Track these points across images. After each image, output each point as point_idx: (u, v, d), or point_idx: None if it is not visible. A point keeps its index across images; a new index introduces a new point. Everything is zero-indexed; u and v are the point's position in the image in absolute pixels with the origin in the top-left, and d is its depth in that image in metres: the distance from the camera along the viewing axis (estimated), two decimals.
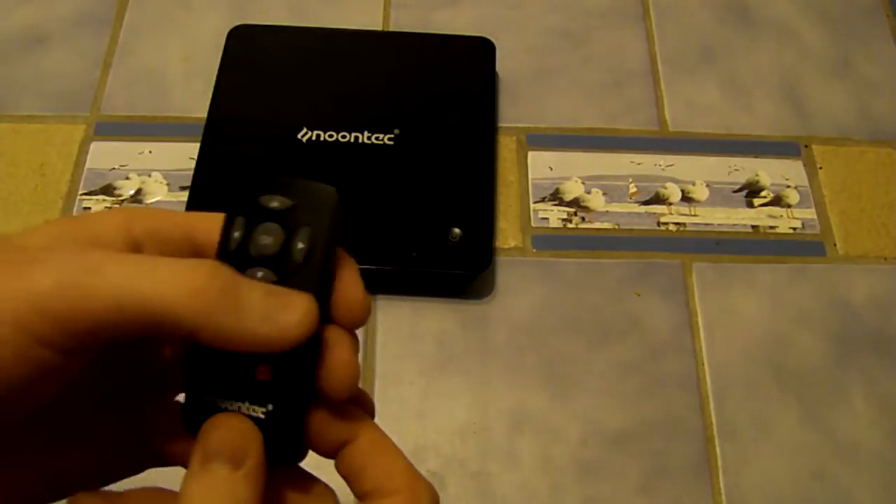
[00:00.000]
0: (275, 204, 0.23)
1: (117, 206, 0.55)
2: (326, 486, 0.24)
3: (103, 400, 0.25)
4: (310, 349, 0.22)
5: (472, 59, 0.59)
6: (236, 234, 0.23)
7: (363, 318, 0.24)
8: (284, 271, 0.23)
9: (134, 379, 0.25)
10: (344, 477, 0.24)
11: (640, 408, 0.50)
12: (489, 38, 0.60)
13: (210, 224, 0.24)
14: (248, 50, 0.59)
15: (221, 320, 0.21)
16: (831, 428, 0.50)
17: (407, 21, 0.64)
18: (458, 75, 0.58)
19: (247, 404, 0.23)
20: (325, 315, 0.23)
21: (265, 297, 0.21)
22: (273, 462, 0.22)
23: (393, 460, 0.24)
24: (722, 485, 0.48)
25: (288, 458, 0.23)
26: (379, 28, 0.64)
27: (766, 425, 0.50)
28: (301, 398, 0.23)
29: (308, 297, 0.22)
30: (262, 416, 0.23)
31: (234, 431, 0.22)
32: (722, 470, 0.48)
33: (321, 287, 0.23)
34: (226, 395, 0.23)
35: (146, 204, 0.55)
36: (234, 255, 0.23)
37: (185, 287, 0.20)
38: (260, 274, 0.23)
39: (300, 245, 0.23)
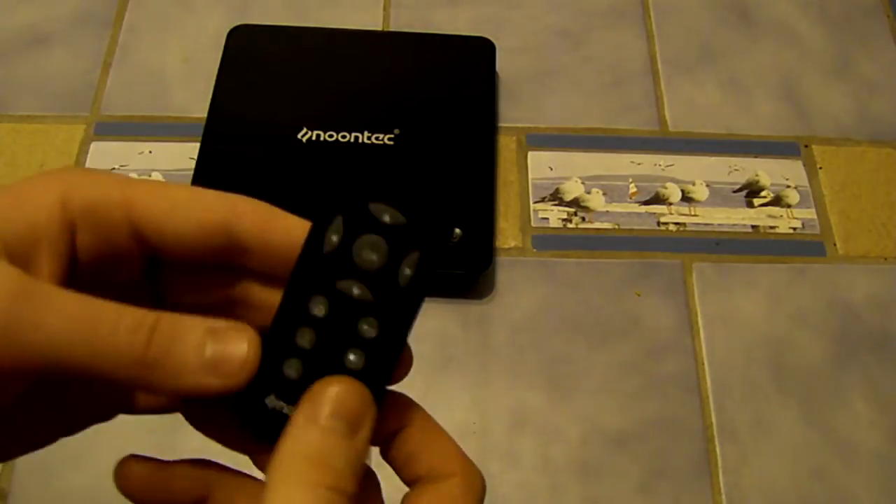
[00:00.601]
0: (386, 218, 0.22)
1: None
2: (369, 468, 0.24)
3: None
4: (392, 365, 0.22)
5: (472, 59, 0.59)
6: (334, 238, 0.22)
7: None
8: (384, 293, 0.22)
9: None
10: (393, 463, 0.23)
11: (640, 408, 0.50)
12: (489, 38, 0.60)
13: (151, 202, 0.22)
14: (248, 50, 0.59)
15: (154, 380, 0.20)
16: (831, 428, 0.50)
17: (407, 21, 0.64)
18: (458, 75, 0.58)
19: None
20: (404, 342, 0.22)
21: (201, 346, 0.20)
22: None
23: (447, 445, 0.23)
24: (722, 485, 0.48)
25: None
26: (379, 28, 0.64)
27: (766, 425, 0.50)
28: (385, 384, 0.22)
29: (250, 334, 0.21)
30: None
31: (356, 395, 0.21)
32: (722, 470, 0.48)
33: (416, 314, 0.22)
34: (295, 402, 0.22)
35: None
36: (328, 259, 0.22)
37: (121, 353, 0.19)
38: (357, 291, 0.22)
39: (407, 271, 0.22)
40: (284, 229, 0.23)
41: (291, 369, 0.22)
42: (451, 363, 0.51)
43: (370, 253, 0.22)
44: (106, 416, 0.24)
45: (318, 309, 0.22)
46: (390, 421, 0.23)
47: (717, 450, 0.49)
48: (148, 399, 0.25)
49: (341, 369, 0.22)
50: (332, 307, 0.22)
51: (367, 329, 0.22)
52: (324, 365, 0.22)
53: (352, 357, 0.22)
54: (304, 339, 0.22)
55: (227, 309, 0.24)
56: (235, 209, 0.22)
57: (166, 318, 0.20)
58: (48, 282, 0.20)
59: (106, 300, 0.20)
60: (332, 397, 0.21)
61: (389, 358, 0.22)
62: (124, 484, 0.23)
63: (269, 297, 0.23)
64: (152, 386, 0.20)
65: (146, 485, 0.23)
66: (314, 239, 0.22)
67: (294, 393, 0.21)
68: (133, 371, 0.19)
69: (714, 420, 0.50)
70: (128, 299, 0.21)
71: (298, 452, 0.20)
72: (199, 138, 0.55)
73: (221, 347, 0.20)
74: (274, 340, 0.22)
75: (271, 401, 0.22)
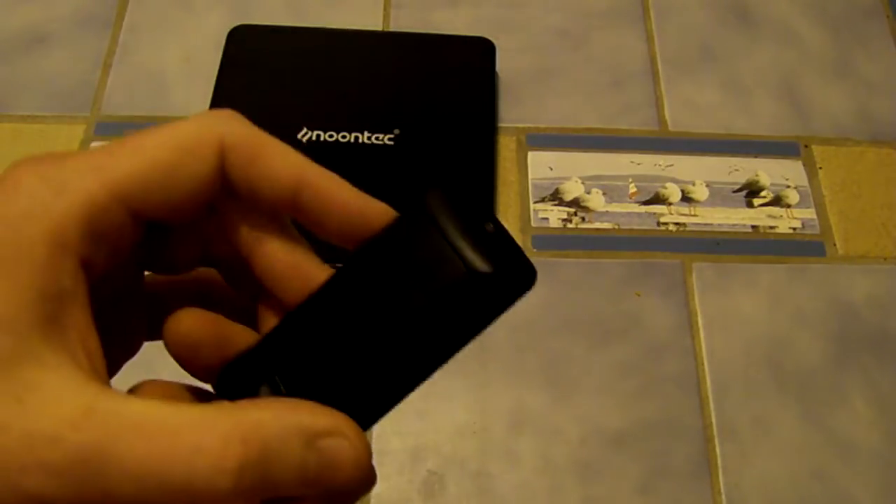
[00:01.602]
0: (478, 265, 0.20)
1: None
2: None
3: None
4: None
5: (472, 59, 0.59)
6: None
7: None
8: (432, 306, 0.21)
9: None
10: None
11: (639, 408, 0.50)
12: (489, 38, 0.60)
13: (138, 172, 0.19)
14: (248, 50, 0.59)
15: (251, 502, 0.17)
16: (831, 428, 0.50)
17: (407, 21, 0.64)
18: (458, 75, 0.58)
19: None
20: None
21: (303, 462, 0.18)
22: None
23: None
24: (722, 485, 0.48)
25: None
26: (379, 28, 0.64)
27: (766, 425, 0.50)
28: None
29: (355, 452, 0.19)
30: None
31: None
32: (722, 470, 0.48)
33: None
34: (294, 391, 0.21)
35: None
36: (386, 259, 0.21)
37: (203, 489, 0.17)
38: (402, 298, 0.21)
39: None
40: (276, 169, 0.21)
41: (312, 360, 0.21)
42: (451, 363, 0.51)
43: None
44: (182, 267, 0.23)
45: (356, 310, 0.21)
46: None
47: (717, 450, 0.49)
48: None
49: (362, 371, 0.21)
50: (373, 310, 0.21)
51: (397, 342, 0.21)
52: (346, 363, 0.21)
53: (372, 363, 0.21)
54: (334, 335, 0.21)
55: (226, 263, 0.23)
56: (224, 143, 0.20)
57: (252, 429, 0.17)
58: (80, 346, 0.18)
59: (179, 406, 0.18)
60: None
61: (407, 380, 0.22)
62: (178, 340, 0.21)
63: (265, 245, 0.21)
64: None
65: (204, 337, 0.21)
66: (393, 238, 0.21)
67: (305, 383, 0.20)
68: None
69: (714, 420, 0.50)
70: (124, 268, 0.19)
71: None
72: None
73: (325, 462, 0.18)
74: (304, 323, 0.21)
75: (273, 381, 0.20)
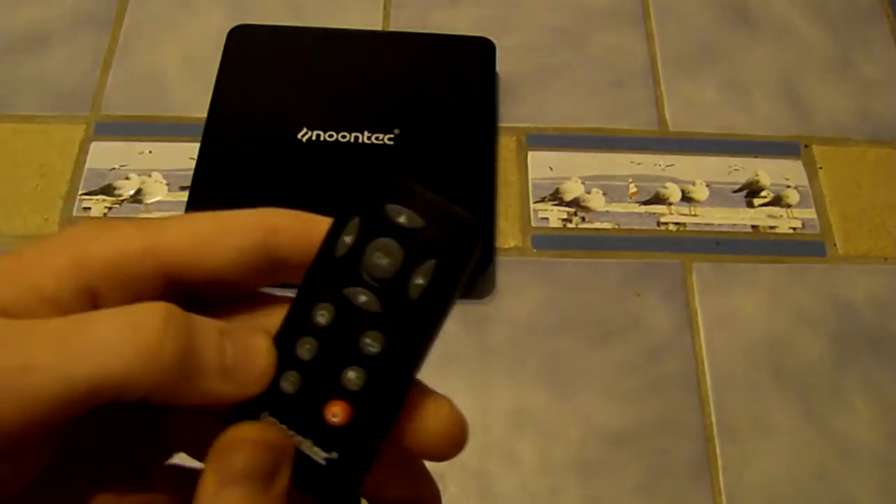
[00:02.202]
0: (402, 219, 0.19)
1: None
2: None
3: (100, 467, 0.21)
4: (399, 393, 0.20)
5: (472, 59, 0.59)
6: (348, 239, 0.20)
7: (455, 443, 0.21)
8: (392, 305, 0.19)
9: (131, 438, 0.22)
10: None
11: (639, 408, 0.50)
12: (489, 38, 0.60)
13: (178, 242, 0.20)
14: (248, 50, 0.59)
15: (176, 384, 0.18)
16: (831, 428, 0.50)
17: (407, 21, 0.64)
18: (458, 75, 0.58)
19: (310, 444, 0.20)
20: (414, 367, 0.20)
21: (221, 346, 0.19)
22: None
23: None
24: (722, 485, 0.48)
25: (336, 500, 0.20)
26: (379, 28, 0.64)
27: (766, 425, 0.50)
28: (376, 450, 0.20)
29: (266, 343, 0.19)
30: (322, 462, 0.19)
31: (263, 449, 0.19)
32: (722, 470, 0.48)
33: (429, 336, 0.20)
34: (289, 422, 0.20)
35: (145, 204, 0.55)
36: (339, 263, 0.20)
37: (131, 356, 0.17)
38: (363, 298, 0.20)
39: (419, 280, 0.19)
40: (322, 234, 0.21)
41: (288, 383, 0.20)
42: (451, 363, 0.51)
43: (382, 257, 0.19)
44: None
45: (322, 317, 0.20)
46: (402, 492, 0.21)
47: (717, 450, 0.49)
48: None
49: (337, 389, 0.20)
50: (338, 317, 0.20)
51: (370, 344, 0.20)
52: (321, 381, 0.20)
53: (351, 375, 0.20)
54: (305, 349, 0.20)
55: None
56: (270, 225, 0.21)
57: (173, 310, 0.18)
58: None
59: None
60: (235, 457, 0.19)
61: (394, 384, 0.20)
62: None
63: None
64: (168, 392, 0.18)
65: None
66: (329, 242, 0.20)
67: (289, 411, 0.20)
68: (146, 374, 0.18)
69: (714, 420, 0.50)
70: None
71: None
72: (199, 138, 0.55)
73: (240, 351, 0.19)
74: (277, 345, 0.20)
75: (265, 419, 0.20)
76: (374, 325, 0.20)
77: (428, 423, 0.21)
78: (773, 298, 0.54)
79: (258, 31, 0.60)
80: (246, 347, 0.19)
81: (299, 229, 0.21)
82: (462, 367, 0.51)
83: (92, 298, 0.19)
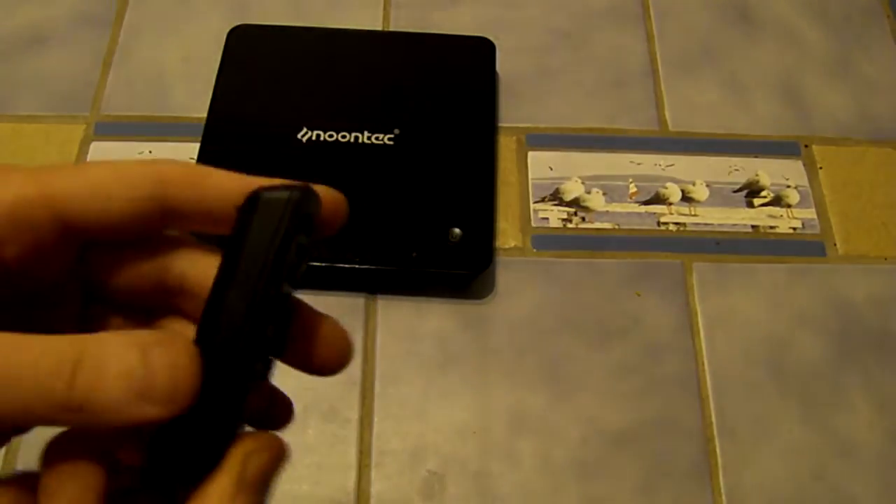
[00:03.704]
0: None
1: None
2: None
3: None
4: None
5: (472, 59, 0.59)
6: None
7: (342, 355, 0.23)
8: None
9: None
10: None
11: (640, 408, 0.50)
12: (489, 38, 0.60)
13: (72, 188, 0.20)
14: (248, 50, 0.59)
15: (92, 420, 0.18)
16: (831, 428, 0.50)
17: (407, 21, 0.64)
18: (458, 75, 0.58)
19: None
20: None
21: (130, 376, 0.18)
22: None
23: None
24: (722, 485, 0.48)
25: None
26: (379, 28, 0.64)
27: (766, 425, 0.50)
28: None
29: (184, 348, 0.19)
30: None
31: (277, 460, 0.21)
32: (722, 470, 0.48)
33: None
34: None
35: None
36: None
37: (46, 401, 0.18)
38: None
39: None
40: (217, 185, 0.22)
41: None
42: (451, 363, 0.51)
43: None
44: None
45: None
46: None
47: (717, 450, 0.49)
48: None
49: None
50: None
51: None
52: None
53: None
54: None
55: (165, 292, 0.23)
56: (162, 175, 0.21)
57: (91, 349, 0.18)
58: None
59: (25, 335, 0.18)
60: (256, 465, 0.20)
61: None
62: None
63: (207, 270, 0.22)
64: (89, 428, 0.19)
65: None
66: (279, 259, 0.21)
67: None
68: (63, 417, 0.18)
69: (714, 420, 0.50)
70: (61, 292, 0.20)
71: None
72: (199, 138, 0.55)
73: (151, 372, 0.18)
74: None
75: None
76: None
77: (323, 341, 0.23)
78: (773, 298, 0.54)
79: (258, 31, 0.60)
80: (157, 367, 0.19)
81: (190, 180, 0.21)
82: (462, 367, 0.51)
83: None
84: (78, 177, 0.21)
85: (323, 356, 0.23)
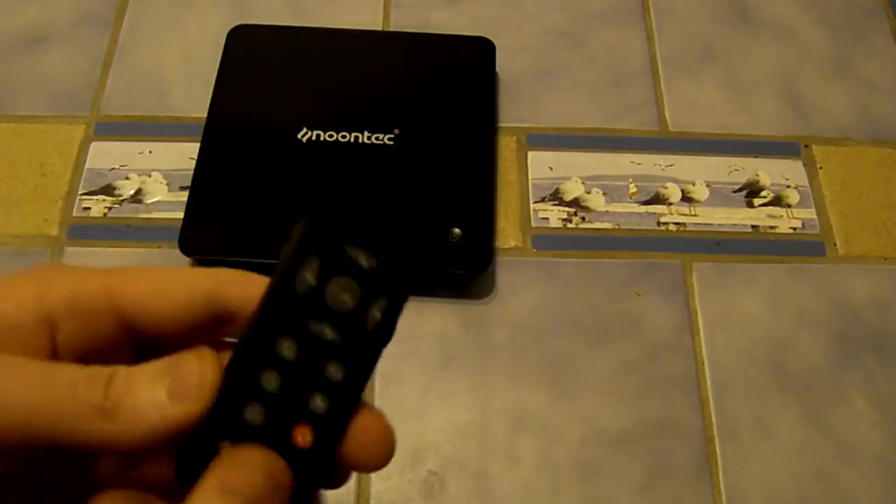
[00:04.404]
0: (362, 261, 0.22)
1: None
2: None
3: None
4: (352, 412, 0.21)
5: (472, 59, 0.59)
6: (309, 277, 0.21)
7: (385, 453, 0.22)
8: (352, 336, 0.22)
9: (57, 474, 0.23)
10: None
11: (640, 408, 0.50)
12: (489, 38, 0.60)
13: (134, 285, 0.22)
14: (248, 50, 0.59)
15: (121, 425, 0.19)
16: (832, 428, 0.50)
17: (407, 21, 0.64)
18: (458, 75, 0.58)
19: None
20: (364, 388, 0.22)
21: (159, 382, 0.20)
22: None
23: None
24: (722, 485, 0.48)
25: None
26: (379, 28, 0.64)
27: (767, 425, 0.50)
28: (332, 463, 0.21)
29: (206, 353, 0.20)
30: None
31: (268, 472, 0.20)
32: (722, 470, 0.48)
33: (378, 360, 0.22)
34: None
35: (145, 204, 0.55)
36: (302, 300, 0.21)
37: (80, 404, 0.19)
38: (329, 334, 0.21)
39: (376, 314, 0.22)
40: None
41: (254, 413, 0.21)
42: (451, 363, 0.51)
43: (344, 295, 0.21)
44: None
45: (288, 351, 0.21)
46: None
47: (717, 450, 0.49)
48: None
49: (305, 414, 0.21)
50: (302, 349, 0.21)
51: (334, 372, 0.21)
52: (288, 409, 0.21)
53: (318, 401, 0.21)
54: (270, 382, 0.21)
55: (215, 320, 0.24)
56: (218, 278, 0.22)
57: (124, 368, 0.20)
58: None
59: (64, 363, 0.19)
60: (238, 472, 0.20)
61: (350, 405, 0.22)
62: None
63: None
64: (116, 438, 0.19)
65: None
66: (286, 278, 0.21)
67: (253, 438, 0.21)
68: (95, 424, 0.19)
69: (714, 420, 0.50)
70: None
71: None
72: (199, 138, 0.55)
73: (178, 372, 0.20)
74: (235, 383, 0.21)
75: (226, 446, 0.21)
76: (336, 355, 0.21)
77: (366, 436, 0.22)
78: (773, 298, 0.54)
79: (258, 31, 0.60)
80: (182, 367, 0.20)
81: (244, 284, 0.22)
82: (462, 367, 0.51)
83: (51, 328, 0.21)
84: (140, 275, 0.22)
85: (358, 454, 0.22)
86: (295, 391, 0.21)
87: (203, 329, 0.22)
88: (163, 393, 0.19)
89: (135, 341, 0.22)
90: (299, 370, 0.21)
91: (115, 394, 0.19)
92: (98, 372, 0.19)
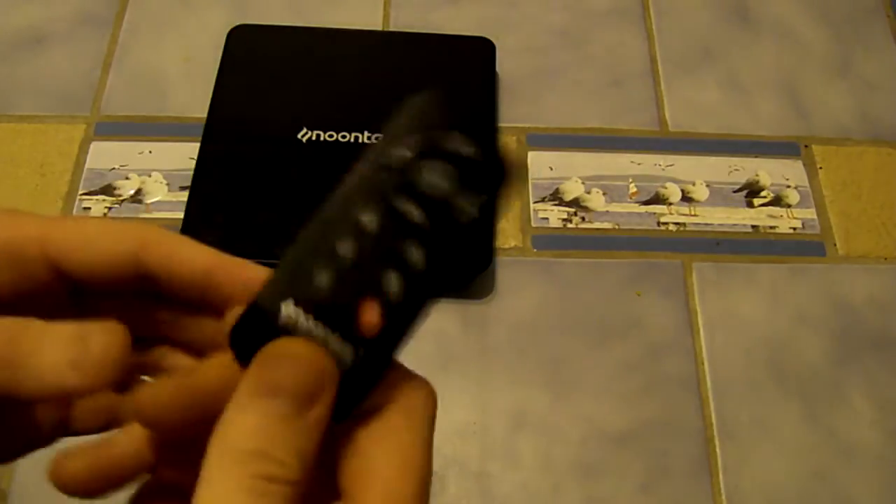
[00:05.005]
0: (466, 150, 0.21)
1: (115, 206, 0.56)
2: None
3: None
4: (425, 307, 0.20)
5: (472, 59, 0.59)
6: (407, 154, 0.20)
7: None
8: (442, 226, 0.20)
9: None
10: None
11: (640, 408, 0.50)
12: (489, 38, 0.60)
13: (66, 236, 0.22)
14: (248, 50, 0.59)
15: (22, 378, 0.19)
16: (831, 428, 0.50)
17: (407, 21, 0.64)
18: (458, 75, 0.58)
19: (337, 337, 0.20)
20: (442, 287, 0.21)
21: (66, 344, 0.20)
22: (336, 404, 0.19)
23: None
24: (722, 485, 0.48)
25: (352, 402, 0.20)
26: (379, 28, 0.64)
27: (766, 425, 0.50)
28: (393, 356, 0.20)
29: (115, 328, 0.20)
30: (348, 360, 0.20)
31: (307, 366, 0.19)
32: (722, 470, 0.48)
33: (461, 260, 0.21)
34: (316, 313, 0.19)
35: (145, 204, 0.55)
36: (394, 174, 0.20)
37: None
38: (415, 212, 0.20)
39: (471, 209, 0.20)
40: (189, 259, 0.23)
41: (323, 276, 0.20)
42: (451, 363, 0.51)
43: (441, 180, 0.20)
44: (43, 441, 0.24)
45: (370, 221, 0.20)
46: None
47: (717, 450, 0.49)
48: (84, 419, 0.24)
49: (377, 290, 0.20)
50: (385, 223, 0.20)
51: (415, 256, 0.20)
52: (360, 280, 0.20)
53: (392, 279, 0.20)
54: (346, 248, 0.20)
55: (160, 339, 0.24)
56: (143, 239, 0.22)
57: (36, 327, 0.20)
58: None
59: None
60: (283, 368, 0.19)
61: (425, 298, 0.20)
62: (65, 483, 0.22)
63: (194, 327, 0.23)
64: (14, 389, 0.19)
65: (89, 476, 0.23)
66: (383, 149, 0.20)
67: (319, 303, 0.19)
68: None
69: (714, 420, 0.50)
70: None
71: (232, 441, 0.18)
72: (199, 138, 0.55)
73: (84, 345, 0.20)
74: (309, 242, 0.20)
75: (287, 307, 0.19)
76: (421, 240, 0.20)
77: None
78: (773, 298, 0.54)
79: (258, 31, 0.60)
80: (89, 339, 0.20)
81: (166, 250, 0.22)
82: (462, 367, 0.51)
83: None
84: (73, 226, 0.22)
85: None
86: (371, 264, 0.20)
87: (129, 283, 0.23)
88: (64, 361, 0.19)
89: (70, 286, 0.23)
90: (379, 245, 0.20)
91: (21, 349, 0.19)
92: (10, 323, 0.20)
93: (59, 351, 0.20)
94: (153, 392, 0.22)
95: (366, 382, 0.20)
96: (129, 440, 0.23)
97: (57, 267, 0.22)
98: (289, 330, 0.19)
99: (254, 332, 0.19)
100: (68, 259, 0.22)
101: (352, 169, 0.21)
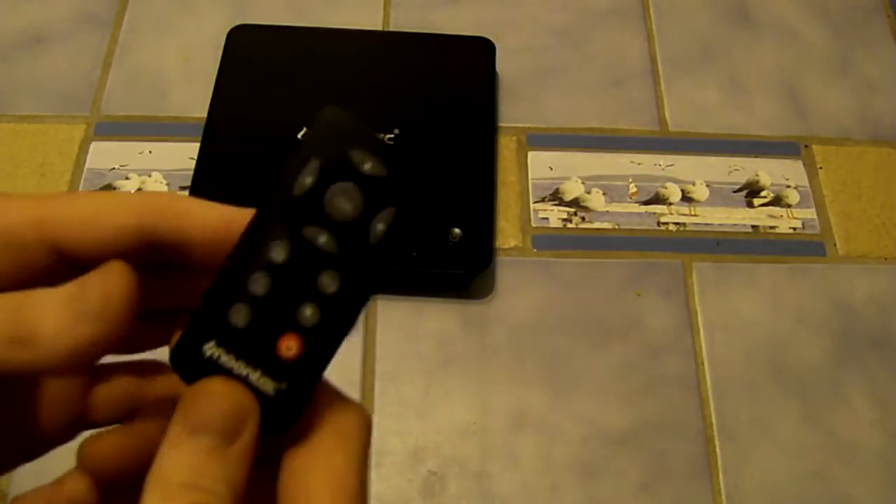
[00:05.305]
0: (367, 167, 0.20)
1: None
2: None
3: None
4: (347, 330, 0.20)
5: (472, 59, 0.59)
6: (308, 180, 0.20)
7: None
8: (351, 247, 0.20)
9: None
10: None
11: (640, 408, 0.50)
12: (489, 38, 0.60)
13: (63, 215, 0.21)
14: (248, 50, 0.59)
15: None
16: (831, 428, 0.50)
17: (407, 21, 0.64)
18: (458, 75, 0.58)
19: (259, 374, 0.20)
20: (363, 307, 0.21)
21: (11, 314, 0.19)
22: (263, 433, 0.20)
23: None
24: (722, 485, 0.48)
25: (279, 429, 0.21)
26: (379, 28, 0.64)
27: (766, 425, 0.50)
28: (318, 380, 0.21)
29: (60, 298, 0.20)
30: (271, 392, 0.20)
31: (228, 404, 0.20)
32: (722, 470, 0.48)
33: (379, 279, 0.21)
34: (237, 352, 0.20)
35: None
36: (297, 203, 0.20)
37: None
38: (323, 240, 0.20)
39: (380, 227, 0.20)
40: (202, 219, 0.22)
41: (239, 316, 0.20)
42: (451, 363, 0.51)
43: (344, 202, 0.20)
44: (64, 436, 0.24)
45: (278, 254, 0.20)
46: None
47: (717, 450, 0.49)
48: (105, 408, 0.24)
49: (293, 324, 0.20)
50: (294, 254, 0.20)
51: (328, 283, 0.20)
52: (275, 315, 0.20)
53: (307, 311, 0.20)
54: (258, 284, 0.20)
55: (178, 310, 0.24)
56: (147, 207, 0.22)
57: (35, 293, 0.20)
58: None
59: None
60: (205, 406, 0.20)
61: (345, 322, 0.20)
62: (94, 464, 0.22)
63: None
64: (33, 365, 0.19)
65: (118, 455, 0.23)
66: (285, 180, 0.20)
67: (238, 342, 0.20)
68: (10, 353, 0.19)
69: (714, 420, 0.50)
70: None
71: (164, 475, 0.19)
72: (199, 138, 0.55)
73: (83, 294, 0.20)
74: (223, 283, 0.20)
75: (210, 348, 0.20)
76: (332, 266, 0.20)
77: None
78: (773, 298, 0.54)
79: (258, 31, 0.60)
80: (33, 311, 0.20)
81: (175, 214, 0.22)
82: (462, 366, 0.51)
83: None
84: (70, 204, 0.21)
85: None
86: (284, 298, 0.20)
87: (141, 255, 0.22)
88: (69, 316, 0.19)
89: (74, 266, 0.22)
90: (290, 276, 0.20)
91: (27, 321, 0.19)
92: (9, 299, 0.19)
93: (62, 308, 0.19)
94: (97, 444, 0.22)
95: (293, 407, 0.21)
96: (77, 480, 0.23)
97: (58, 248, 0.21)
98: (213, 365, 0.20)
99: (188, 359, 0.20)
100: (68, 239, 0.21)
101: (262, 201, 0.21)
